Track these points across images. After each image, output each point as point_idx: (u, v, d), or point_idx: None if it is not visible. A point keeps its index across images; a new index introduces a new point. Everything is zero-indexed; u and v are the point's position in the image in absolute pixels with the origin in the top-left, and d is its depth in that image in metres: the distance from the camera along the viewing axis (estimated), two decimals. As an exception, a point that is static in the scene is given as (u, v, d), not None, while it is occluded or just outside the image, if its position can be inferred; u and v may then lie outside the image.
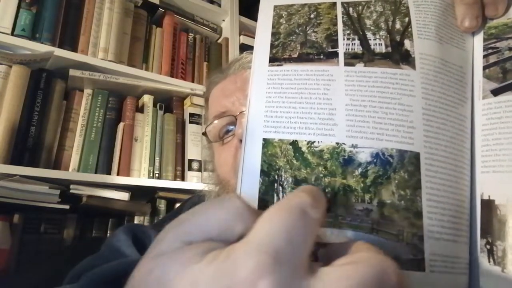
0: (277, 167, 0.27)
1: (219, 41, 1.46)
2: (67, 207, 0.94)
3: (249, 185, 0.26)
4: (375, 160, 0.25)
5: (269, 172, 0.27)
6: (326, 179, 0.26)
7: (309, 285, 0.15)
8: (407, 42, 0.29)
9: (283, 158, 0.27)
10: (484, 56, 0.29)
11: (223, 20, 1.47)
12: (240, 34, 1.44)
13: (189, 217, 0.19)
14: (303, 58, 0.30)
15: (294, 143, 0.27)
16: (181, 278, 0.16)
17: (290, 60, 0.30)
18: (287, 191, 0.26)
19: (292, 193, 0.19)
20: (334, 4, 0.32)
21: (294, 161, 0.26)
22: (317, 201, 0.18)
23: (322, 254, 0.18)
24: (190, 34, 1.35)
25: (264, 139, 0.27)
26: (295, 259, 0.16)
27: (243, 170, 0.27)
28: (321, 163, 0.26)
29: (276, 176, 0.26)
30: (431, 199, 0.25)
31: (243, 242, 0.16)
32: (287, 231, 0.16)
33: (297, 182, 0.26)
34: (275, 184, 0.26)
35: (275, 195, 0.26)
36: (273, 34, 0.32)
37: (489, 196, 0.26)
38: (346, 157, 0.26)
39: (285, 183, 0.26)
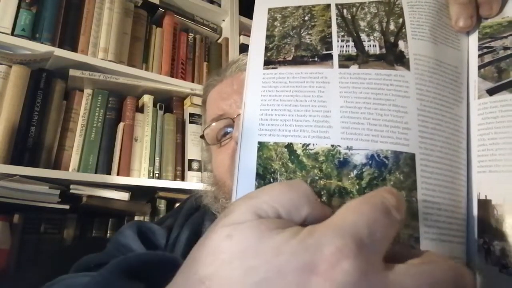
0: (272, 170, 0.27)
1: (219, 41, 1.46)
2: (67, 207, 0.95)
3: (245, 189, 0.26)
4: (370, 162, 0.25)
5: (264, 175, 0.27)
6: (321, 181, 0.26)
7: (387, 276, 0.16)
8: (401, 43, 0.29)
9: (279, 161, 0.27)
10: (479, 56, 0.29)
11: (223, 20, 1.47)
12: (240, 34, 1.44)
13: (260, 193, 0.19)
14: (297, 61, 0.30)
15: (289, 146, 0.27)
16: (263, 245, 0.16)
17: (285, 63, 0.30)
18: None
19: (377, 191, 0.19)
20: (328, 6, 0.32)
21: (290, 164, 0.26)
22: (400, 204, 0.19)
23: None
24: (190, 34, 1.35)
25: (259, 143, 0.27)
26: (375, 250, 0.17)
27: (239, 174, 0.27)
28: (316, 165, 0.26)
29: (271, 179, 0.26)
30: (426, 200, 0.25)
31: (327, 224, 0.17)
32: (370, 224, 0.17)
33: None
34: None
35: None
36: (267, 37, 0.31)
37: (485, 196, 0.26)
38: (341, 159, 0.26)
39: None
